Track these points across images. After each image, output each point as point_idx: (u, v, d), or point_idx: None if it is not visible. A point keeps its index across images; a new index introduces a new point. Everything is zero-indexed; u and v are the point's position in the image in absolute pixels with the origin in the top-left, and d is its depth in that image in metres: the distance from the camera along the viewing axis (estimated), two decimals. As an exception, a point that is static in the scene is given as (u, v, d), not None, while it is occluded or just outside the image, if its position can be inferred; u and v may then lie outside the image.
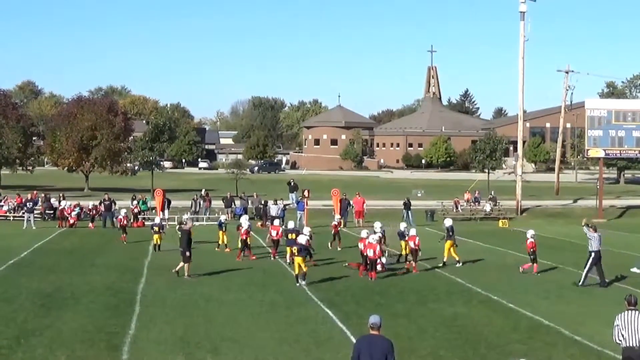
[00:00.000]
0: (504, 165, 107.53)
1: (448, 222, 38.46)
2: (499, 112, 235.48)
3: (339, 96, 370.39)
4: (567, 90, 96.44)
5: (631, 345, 16.44)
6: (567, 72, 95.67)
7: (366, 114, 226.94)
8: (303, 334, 23.32)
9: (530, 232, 35.70)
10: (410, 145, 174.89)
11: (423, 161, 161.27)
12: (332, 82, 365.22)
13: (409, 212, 60.30)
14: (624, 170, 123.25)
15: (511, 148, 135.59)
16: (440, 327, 22.56)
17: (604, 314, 25.89)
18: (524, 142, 79.37)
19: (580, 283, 31.55)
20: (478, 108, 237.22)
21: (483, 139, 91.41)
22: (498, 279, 32.87)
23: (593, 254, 31.61)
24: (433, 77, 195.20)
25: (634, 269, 35.94)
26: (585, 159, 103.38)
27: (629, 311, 16.72)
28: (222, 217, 45.11)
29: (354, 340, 22.21)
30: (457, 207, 65.50)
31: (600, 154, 65.65)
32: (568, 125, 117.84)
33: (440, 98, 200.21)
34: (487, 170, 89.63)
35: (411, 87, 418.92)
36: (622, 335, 16.54)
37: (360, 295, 29.43)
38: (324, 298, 28.56)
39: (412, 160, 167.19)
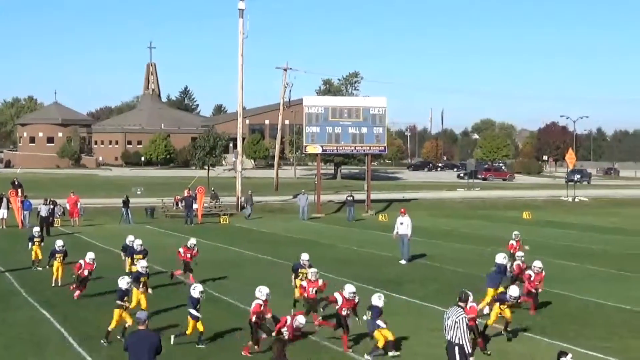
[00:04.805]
0: (224, 162, 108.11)
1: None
2: (219, 109, 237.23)
3: (55, 93, 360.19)
4: (286, 87, 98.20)
5: (445, 337, 17.14)
6: (285, 70, 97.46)
7: (84, 110, 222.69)
8: (20, 338, 22.40)
9: (537, 263, 25.80)
10: (130, 142, 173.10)
11: (142, 158, 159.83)
12: (48, 78, 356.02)
13: (128, 210, 59.52)
14: (341, 165, 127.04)
15: (231, 145, 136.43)
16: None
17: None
18: (243, 139, 79.95)
19: None
20: (198, 105, 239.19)
21: (203, 136, 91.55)
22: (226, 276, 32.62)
23: None
24: (152, 74, 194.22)
25: (402, 261, 37.23)
26: (303, 155, 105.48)
27: (453, 306, 17.27)
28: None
29: (73, 342, 21.56)
30: (177, 205, 64.89)
31: (318, 150, 67.03)
32: (287, 122, 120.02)
33: (159, 95, 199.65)
34: (207, 167, 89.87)
35: (130, 84, 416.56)
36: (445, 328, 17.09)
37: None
38: (40, 300, 27.54)
39: (132, 158, 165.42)
